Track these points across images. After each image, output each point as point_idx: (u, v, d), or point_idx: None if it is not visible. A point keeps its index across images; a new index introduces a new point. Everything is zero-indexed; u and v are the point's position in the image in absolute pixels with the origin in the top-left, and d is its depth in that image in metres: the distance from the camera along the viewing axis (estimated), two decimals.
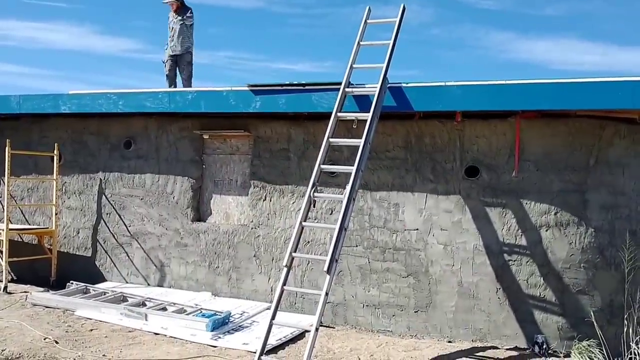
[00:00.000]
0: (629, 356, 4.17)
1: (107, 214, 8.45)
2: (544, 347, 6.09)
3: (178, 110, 7.59)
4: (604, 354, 5.34)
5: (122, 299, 7.30)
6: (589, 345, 5.65)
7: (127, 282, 8.23)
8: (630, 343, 4.14)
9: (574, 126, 6.24)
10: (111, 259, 8.39)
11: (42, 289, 7.94)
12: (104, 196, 8.47)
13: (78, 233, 8.64)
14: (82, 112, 8.19)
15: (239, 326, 6.56)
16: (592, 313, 5.81)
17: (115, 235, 8.37)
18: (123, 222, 8.33)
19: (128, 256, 8.28)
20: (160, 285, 8.06)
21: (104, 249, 8.45)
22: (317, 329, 5.14)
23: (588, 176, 6.19)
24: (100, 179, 8.49)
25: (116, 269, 8.35)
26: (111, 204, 8.41)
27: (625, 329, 4.27)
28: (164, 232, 8.07)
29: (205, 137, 7.95)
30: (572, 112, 6.13)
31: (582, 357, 5.69)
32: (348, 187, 5.52)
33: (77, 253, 8.61)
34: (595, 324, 5.02)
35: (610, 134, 6.23)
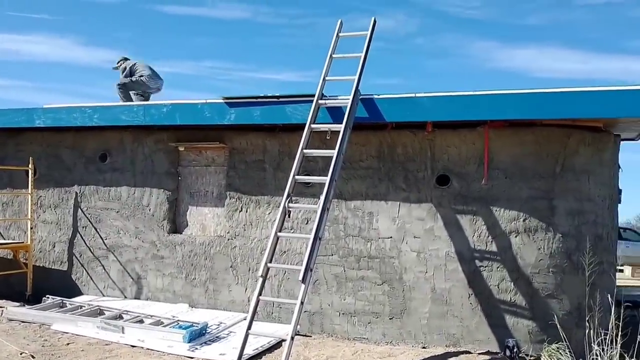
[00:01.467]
0: (592, 357, 4.33)
1: (83, 227, 8.44)
2: (515, 350, 6.23)
3: (153, 123, 7.65)
4: (572, 357, 5.50)
5: (98, 312, 7.29)
6: (558, 348, 5.82)
7: (103, 295, 8.22)
8: (592, 344, 4.30)
9: (540, 135, 6.43)
10: (87, 273, 8.37)
11: (17, 303, 7.89)
12: (79, 209, 8.46)
13: (54, 247, 8.61)
14: (57, 125, 8.19)
15: (216, 337, 6.60)
16: (560, 316, 5.97)
17: (92, 249, 8.36)
18: (99, 235, 8.32)
19: (104, 269, 8.27)
20: (137, 297, 8.06)
21: (80, 263, 8.43)
22: (292, 338, 5.22)
23: (555, 183, 6.38)
24: (76, 193, 8.48)
25: (92, 282, 8.33)
26: (87, 217, 8.41)
27: (587, 331, 4.42)
28: (140, 245, 8.09)
29: (181, 149, 8.00)
30: (539, 121, 6.32)
31: (551, 359, 5.86)
32: (322, 197, 5.63)
33: (53, 267, 8.57)
34: (562, 327, 5.17)
35: (575, 142, 6.43)
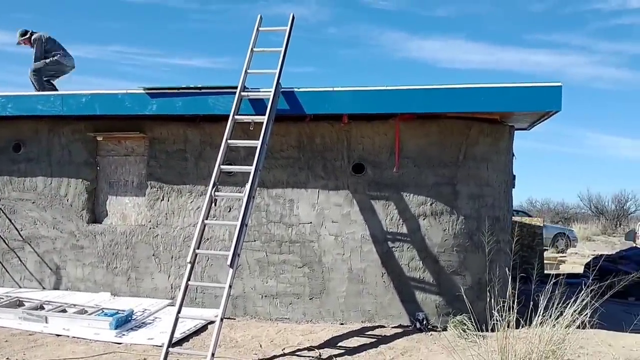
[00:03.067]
0: (492, 322, 4.93)
1: None
2: (424, 323, 6.85)
3: (71, 114, 7.59)
4: (475, 326, 6.15)
5: (18, 303, 7.21)
6: (462, 319, 6.47)
7: (20, 287, 8.09)
8: (493, 311, 4.91)
9: (444, 126, 7.04)
10: (2, 265, 8.20)
11: None
12: None
13: None
14: None
15: (142, 323, 6.76)
16: (464, 290, 6.62)
17: (6, 240, 8.19)
18: (14, 226, 8.17)
19: (20, 260, 8.14)
20: (56, 288, 8.01)
21: None
22: (222, 319, 5.52)
23: (458, 170, 7.01)
24: None
25: (8, 274, 8.18)
26: (0, 209, 8.22)
27: (488, 301, 5.03)
28: (59, 235, 8.03)
29: (99, 139, 8.00)
30: (443, 114, 6.92)
31: (456, 329, 6.49)
32: (248, 186, 5.93)
33: None
34: (466, 299, 5.78)
35: (476, 133, 7.09)
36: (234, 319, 7.23)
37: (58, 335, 6.37)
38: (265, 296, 7.31)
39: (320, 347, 6.16)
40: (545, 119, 7.45)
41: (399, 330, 6.82)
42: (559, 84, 6.35)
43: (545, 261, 14.72)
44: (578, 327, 4.85)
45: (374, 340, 6.44)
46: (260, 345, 6.19)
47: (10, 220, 8.20)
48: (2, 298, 7.32)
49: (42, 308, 7.03)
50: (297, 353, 5.97)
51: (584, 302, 4.90)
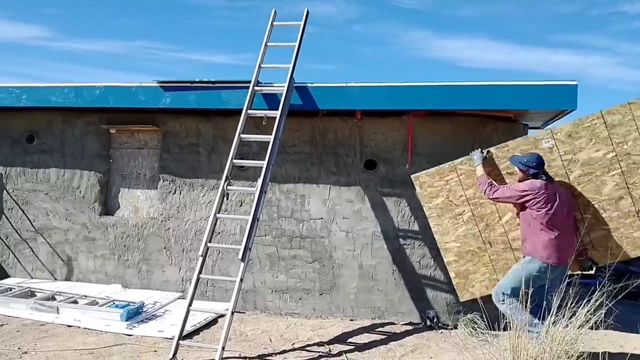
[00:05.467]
0: (504, 321, 4.92)
1: (9, 209, 8.30)
2: (435, 320, 6.83)
3: (85, 105, 7.61)
4: (485, 324, 6.12)
5: (29, 293, 7.27)
6: (473, 317, 6.44)
7: (32, 278, 8.16)
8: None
9: (458, 123, 7.00)
10: (14, 255, 8.27)
11: None
12: (5, 191, 8.31)
13: None
14: None
15: (153, 315, 6.79)
16: None
17: (19, 231, 8.25)
18: (27, 217, 8.22)
19: (33, 251, 8.20)
20: (67, 279, 8.07)
21: (6, 245, 8.30)
22: (232, 313, 5.54)
23: None
24: (1, 174, 8.31)
25: (20, 264, 8.24)
26: (13, 199, 8.28)
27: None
28: (71, 227, 8.08)
29: (113, 131, 8.02)
30: (457, 111, 6.88)
31: (467, 327, 6.47)
32: (260, 180, 5.93)
33: None
34: (478, 298, 5.76)
35: (489, 131, 7.04)
36: (244, 312, 7.25)
37: (69, 326, 6.41)
38: (276, 291, 7.32)
39: (330, 342, 6.16)
40: (560, 118, 7.39)
41: (409, 327, 6.81)
42: (574, 82, 6.28)
43: None
44: (591, 327, 4.81)
45: (384, 337, 6.43)
46: (270, 340, 6.20)
47: (23, 211, 8.25)
48: (14, 288, 7.38)
49: (53, 299, 7.08)
50: (307, 348, 5.97)
51: (597, 303, 4.86)
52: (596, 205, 5.60)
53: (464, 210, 5.98)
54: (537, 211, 5.25)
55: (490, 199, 5.58)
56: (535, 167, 5.38)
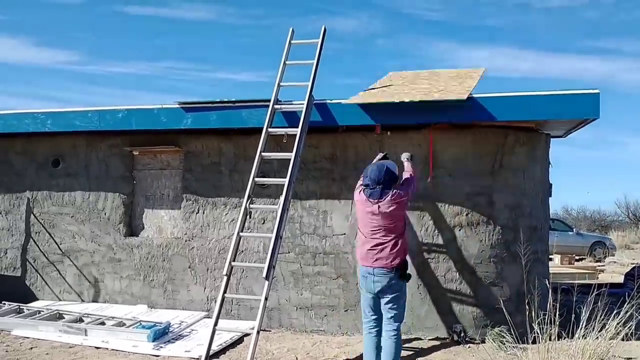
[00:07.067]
0: (533, 335, 4.84)
1: (36, 232, 8.44)
2: (462, 335, 6.75)
3: (108, 129, 7.73)
4: (513, 338, 6.04)
5: (57, 316, 7.35)
6: (500, 331, 6.35)
7: (60, 300, 8.26)
8: (533, 324, 4.81)
9: (479, 135, 6.96)
10: (42, 278, 8.38)
11: None
12: (32, 215, 8.45)
13: (6, 253, 8.56)
14: (7, 132, 8.17)
15: (179, 335, 6.82)
16: (501, 302, 6.51)
17: (46, 254, 8.38)
18: (54, 240, 8.35)
19: (60, 274, 8.31)
20: (94, 301, 8.15)
21: (34, 268, 8.42)
22: (258, 332, 5.55)
23: (493, 180, 6.92)
24: (28, 198, 8.47)
25: (48, 287, 8.35)
26: (40, 223, 8.41)
27: (527, 313, 4.94)
28: (97, 248, 8.17)
29: (135, 153, 8.13)
30: (478, 123, 6.84)
31: (495, 341, 6.38)
32: (282, 198, 5.96)
33: (6, 273, 8.52)
34: (505, 311, 5.68)
35: (511, 142, 6.99)
36: (269, 330, 7.24)
37: (97, 348, 6.46)
38: (300, 308, 7.31)
39: (356, 359, 6.12)
40: (582, 126, 7.31)
41: (436, 342, 6.74)
42: (596, 91, 6.22)
43: (583, 271, 14.41)
44: (622, 339, 4.72)
45: (411, 352, 6.37)
46: (297, 358, 6.18)
47: (50, 234, 8.38)
48: (43, 311, 7.46)
49: (81, 321, 7.14)
50: None
51: (627, 314, 4.77)
52: None
53: None
54: None
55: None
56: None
